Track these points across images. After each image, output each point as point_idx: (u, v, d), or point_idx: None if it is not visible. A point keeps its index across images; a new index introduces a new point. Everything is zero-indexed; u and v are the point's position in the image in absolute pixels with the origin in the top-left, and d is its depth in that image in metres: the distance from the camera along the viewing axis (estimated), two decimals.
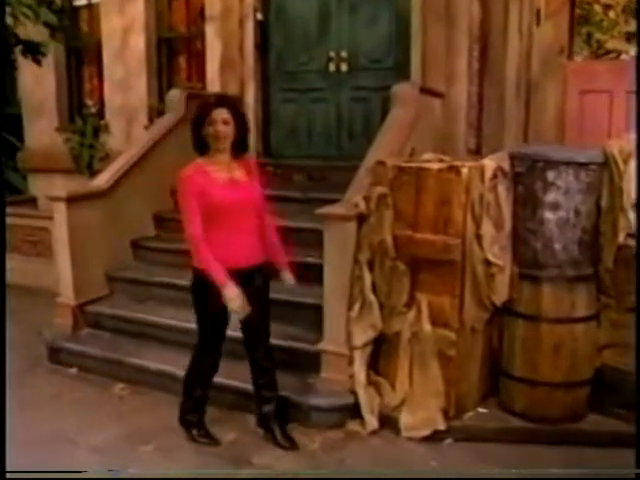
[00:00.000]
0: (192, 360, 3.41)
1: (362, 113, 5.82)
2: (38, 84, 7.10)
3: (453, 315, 3.41)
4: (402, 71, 5.45)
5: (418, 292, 3.51)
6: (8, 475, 2.54)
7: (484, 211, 3.37)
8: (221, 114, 3.05)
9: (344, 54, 5.80)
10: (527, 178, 3.42)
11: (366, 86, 5.75)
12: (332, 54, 5.83)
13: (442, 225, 3.37)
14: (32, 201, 7.14)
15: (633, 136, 3.33)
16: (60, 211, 4.57)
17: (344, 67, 5.81)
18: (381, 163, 3.65)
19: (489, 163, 3.44)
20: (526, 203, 3.44)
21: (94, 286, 4.81)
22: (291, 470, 3.22)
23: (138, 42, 6.59)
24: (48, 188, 6.03)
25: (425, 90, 4.89)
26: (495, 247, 3.44)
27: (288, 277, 3.42)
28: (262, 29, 6.11)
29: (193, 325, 4.10)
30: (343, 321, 3.68)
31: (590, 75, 4.50)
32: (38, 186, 7.17)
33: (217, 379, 3.54)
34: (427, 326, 3.47)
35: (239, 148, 3.18)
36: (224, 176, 3.11)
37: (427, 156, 3.95)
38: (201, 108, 3.15)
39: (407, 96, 4.58)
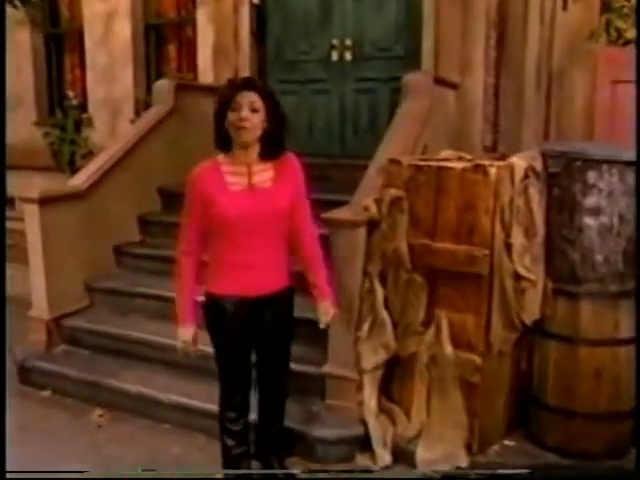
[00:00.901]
0: (219, 398, 2.90)
1: (368, 106, 5.64)
2: (14, 74, 6.89)
3: (478, 336, 3.11)
4: (412, 60, 5.25)
5: (437, 309, 3.23)
6: (8, 475, 2.51)
7: (514, 217, 3.05)
8: (248, 98, 2.47)
9: (348, 42, 5.59)
10: (563, 179, 3.13)
11: (372, 77, 5.57)
12: (335, 42, 5.63)
13: (466, 233, 3.08)
14: (8, 201, 6.83)
15: None
16: (32, 214, 4.28)
17: (348, 56, 5.61)
18: (395, 162, 3.35)
19: (519, 162, 3.13)
20: (562, 208, 3.15)
21: (71, 298, 4.53)
22: None
23: (123, 28, 6.42)
24: (26, 187, 5.69)
25: (439, 80, 4.64)
26: (526, 258, 3.14)
27: (326, 310, 2.80)
28: (259, 14, 5.92)
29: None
30: (351, 341, 3.41)
31: (624, 63, 4.17)
32: (15, 185, 6.83)
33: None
34: (448, 348, 3.18)
35: (271, 146, 2.58)
36: (241, 181, 2.56)
37: (445, 153, 3.68)
38: (224, 90, 2.57)
39: (420, 87, 4.32)
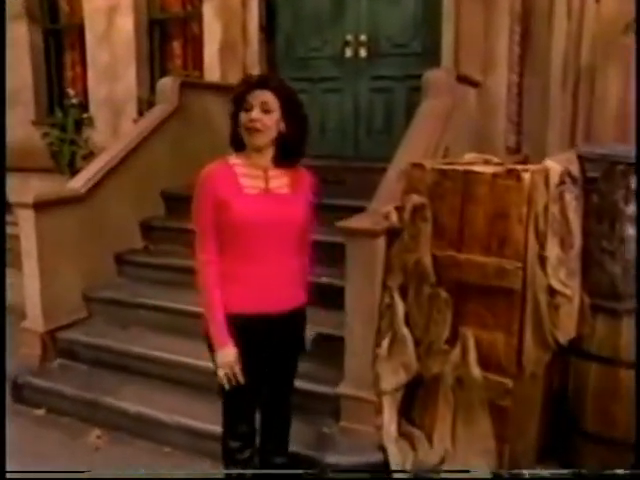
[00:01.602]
0: (222, 425, 2.68)
1: (383, 106, 5.57)
2: (12, 70, 6.74)
3: (509, 356, 2.92)
4: (431, 57, 5.15)
5: (463, 326, 3.05)
6: (8, 475, 2.50)
7: (549, 226, 2.87)
8: (261, 97, 2.31)
9: (363, 37, 5.49)
10: (603, 185, 2.97)
11: (388, 75, 5.48)
12: (349, 38, 5.53)
13: (496, 244, 2.90)
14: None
15: None
16: (27, 219, 4.14)
17: (363, 53, 5.51)
18: (417, 166, 3.18)
19: (554, 166, 2.96)
20: (602, 216, 2.98)
21: (68, 308, 4.38)
22: None
23: (126, 24, 6.35)
24: (23, 190, 5.73)
25: (461, 78, 4.47)
26: (561, 272, 2.97)
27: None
28: (268, 8, 5.84)
29: (184, 358, 3.79)
30: (369, 359, 3.23)
31: None
32: (11, 187, 6.74)
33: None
34: (475, 369, 2.99)
35: (287, 150, 2.41)
36: (257, 184, 2.39)
37: (470, 157, 3.51)
38: (238, 86, 2.42)
39: (442, 85, 4.16)
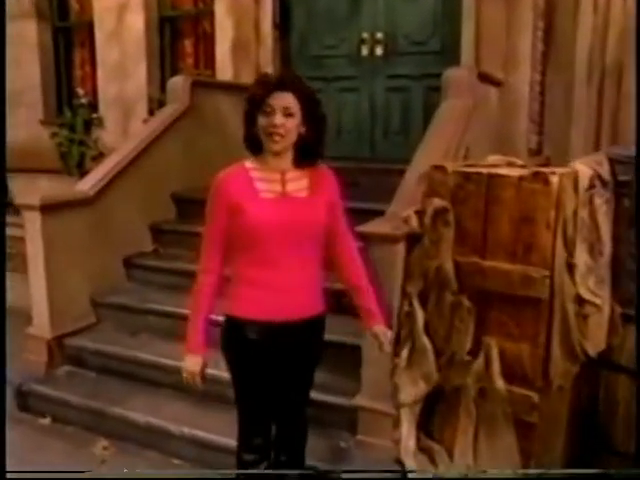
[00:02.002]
0: (237, 437, 2.64)
1: (400, 106, 5.56)
2: (20, 69, 6.82)
3: (535, 369, 2.79)
4: (450, 55, 5.14)
5: (487, 336, 2.93)
6: (8, 475, 2.54)
7: (578, 232, 2.76)
8: (282, 100, 2.24)
9: (379, 35, 5.48)
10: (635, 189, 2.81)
11: (405, 74, 5.48)
12: (365, 35, 5.52)
13: (522, 250, 2.78)
14: (11, 205, 6.76)
15: None
16: (33, 222, 4.12)
17: (379, 51, 5.50)
18: (439, 168, 3.06)
19: (584, 169, 2.84)
20: (633, 222, 2.87)
21: (75, 314, 4.35)
22: None
23: (136, 21, 6.34)
24: (31, 191, 5.68)
25: (483, 76, 4.40)
26: (590, 280, 2.85)
27: (384, 333, 2.59)
28: (282, 5, 5.82)
29: None
30: (387, 370, 3.12)
31: None
32: (19, 188, 6.77)
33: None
34: (499, 382, 2.86)
35: (307, 152, 2.37)
36: (274, 188, 2.34)
37: (492, 159, 3.37)
38: (254, 88, 2.33)
39: (463, 84, 4.10)
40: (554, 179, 2.69)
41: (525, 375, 2.82)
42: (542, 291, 2.73)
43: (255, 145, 2.36)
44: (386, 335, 2.59)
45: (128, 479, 3.11)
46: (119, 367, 4.03)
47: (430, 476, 2.92)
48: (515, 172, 2.85)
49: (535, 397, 2.78)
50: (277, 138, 2.25)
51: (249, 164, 2.37)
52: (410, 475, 2.96)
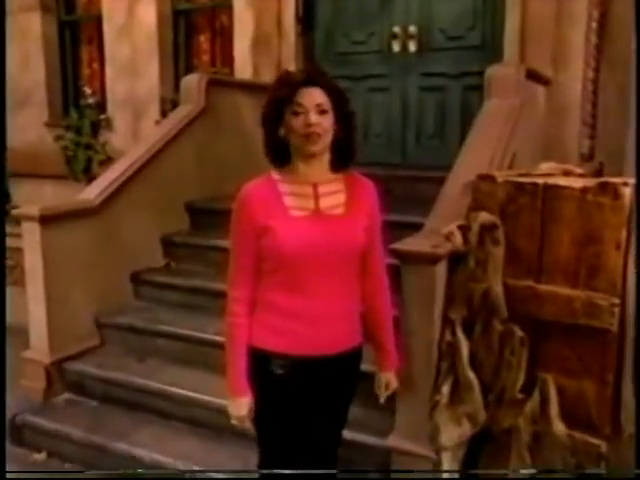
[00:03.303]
0: None
1: (435, 107, 5.44)
2: (23, 67, 6.94)
3: (602, 412, 2.65)
4: (491, 50, 5.08)
5: (543, 372, 2.82)
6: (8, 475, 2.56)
7: None
8: (314, 97, 2.14)
9: (413, 29, 5.38)
10: None
11: (441, 71, 5.36)
12: (397, 29, 5.43)
13: (585, 274, 2.65)
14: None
15: None
16: (32, 233, 4.01)
17: (412, 46, 5.40)
18: (487, 177, 2.96)
19: None
20: None
21: (78, 336, 4.23)
22: None
23: (148, 15, 6.37)
24: (34, 198, 5.78)
25: (531, 74, 4.22)
26: None
27: (389, 382, 2.56)
28: None
29: (208, 396, 3.61)
30: (425, 407, 2.98)
31: None
32: (22, 195, 6.82)
33: None
34: (558, 425, 2.72)
35: (341, 155, 2.27)
36: (306, 205, 2.22)
37: (546, 166, 3.27)
38: (279, 85, 2.24)
39: (509, 83, 3.93)
40: (626, 191, 2.58)
41: (590, 419, 2.72)
42: (610, 321, 2.61)
43: (280, 154, 2.23)
44: (391, 385, 2.57)
45: (128, 479, 3.14)
46: (124, 396, 3.92)
47: (430, 475, 2.88)
48: (576, 182, 2.75)
49: (603, 446, 2.66)
50: (315, 138, 2.13)
51: (276, 175, 2.25)
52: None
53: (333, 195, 2.24)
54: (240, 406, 2.28)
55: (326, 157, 2.23)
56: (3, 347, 3.00)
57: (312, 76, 2.21)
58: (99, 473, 3.24)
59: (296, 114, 2.13)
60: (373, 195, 2.34)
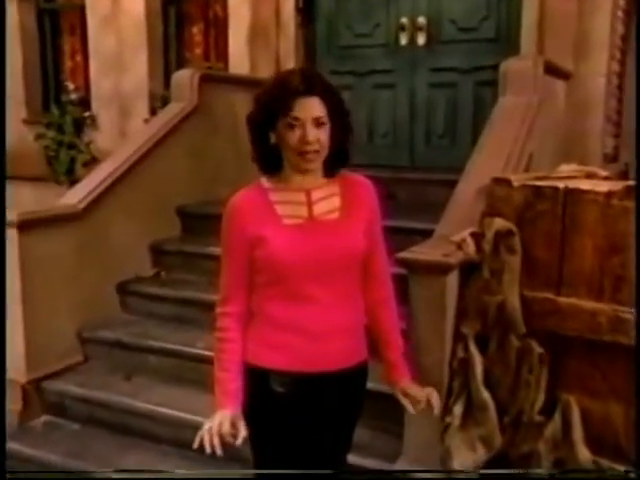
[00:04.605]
0: None
1: (445, 104, 5.52)
2: None
3: (631, 436, 2.68)
4: (507, 43, 5.19)
5: (564, 392, 2.85)
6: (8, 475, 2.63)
7: None
8: (312, 109, 2.13)
9: (421, 21, 5.45)
10: None
11: (452, 66, 5.45)
12: (404, 21, 5.50)
13: (611, 286, 2.70)
14: None
15: None
16: (9, 240, 3.97)
17: (421, 39, 5.47)
18: (502, 181, 2.99)
19: None
20: None
21: (59, 351, 4.24)
22: None
23: (136, 4, 6.44)
24: (12, 202, 5.61)
25: (550, 68, 4.25)
26: None
27: (420, 391, 2.48)
28: None
29: (200, 417, 3.52)
30: (436, 429, 3.01)
31: None
32: None
33: None
34: (582, 451, 2.74)
35: (336, 161, 2.27)
36: (298, 213, 2.24)
37: (567, 169, 3.32)
38: (273, 91, 2.19)
39: (526, 77, 3.96)
40: None
41: (617, 444, 2.76)
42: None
43: (271, 163, 2.24)
44: (432, 394, 2.48)
45: (130, 479, 3.21)
46: (109, 417, 3.93)
47: (442, 476, 2.91)
48: (600, 186, 2.80)
49: (632, 474, 2.68)
50: (312, 156, 2.14)
51: (266, 184, 2.26)
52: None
53: (327, 199, 2.24)
54: (215, 417, 2.22)
55: (320, 167, 2.24)
56: (3, 347, 3.04)
57: (310, 84, 2.17)
58: (99, 473, 3.27)
59: (290, 127, 2.12)
60: (371, 195, 2.34)
